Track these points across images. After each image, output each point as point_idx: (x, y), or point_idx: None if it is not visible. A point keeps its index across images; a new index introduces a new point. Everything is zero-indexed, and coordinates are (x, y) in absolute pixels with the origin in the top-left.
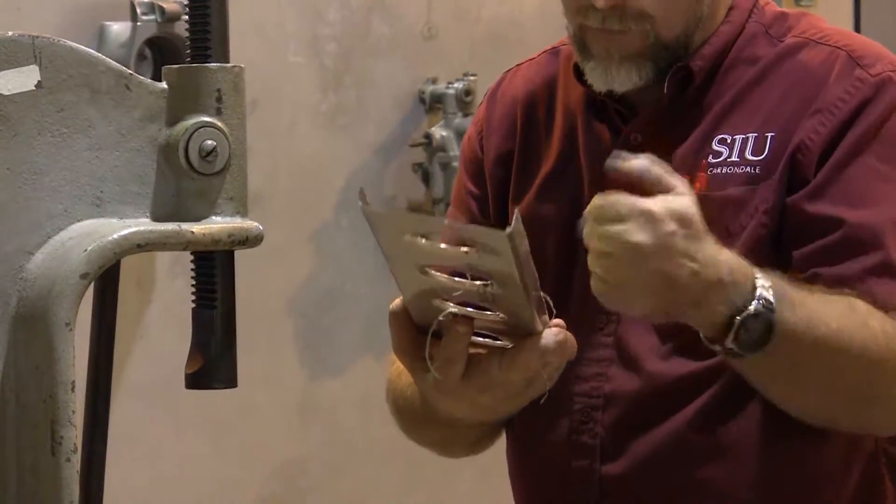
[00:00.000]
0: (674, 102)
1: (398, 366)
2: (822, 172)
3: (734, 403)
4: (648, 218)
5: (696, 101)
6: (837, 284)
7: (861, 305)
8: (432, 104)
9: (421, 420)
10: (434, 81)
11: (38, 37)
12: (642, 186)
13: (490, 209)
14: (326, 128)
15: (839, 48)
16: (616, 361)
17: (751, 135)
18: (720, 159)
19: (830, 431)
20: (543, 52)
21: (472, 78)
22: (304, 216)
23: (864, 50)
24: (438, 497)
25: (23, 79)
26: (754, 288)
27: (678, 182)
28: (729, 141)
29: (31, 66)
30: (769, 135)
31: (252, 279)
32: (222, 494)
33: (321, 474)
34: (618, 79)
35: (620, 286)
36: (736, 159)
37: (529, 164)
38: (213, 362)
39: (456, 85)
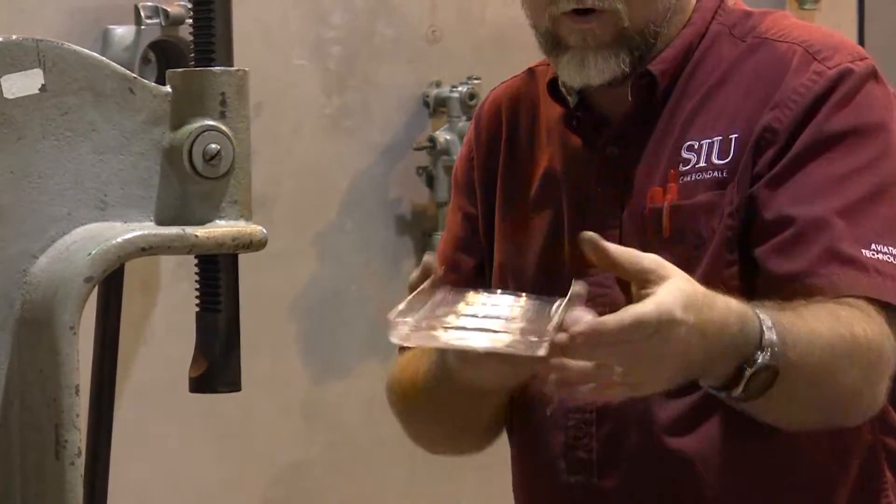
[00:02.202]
0: (641, 110)
1: (403, 359)
2: (779, 167)
3: (726, 409)
4: (658, 329)
5: (663, 105)
6: (791, 281)
7: (843, 314)
8: (436, 107)
9: (431, 410)
10: (438, 85)
11: (42, 40)
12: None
13: (479, 227)
14: (330, 131)
15: (796, 44)
16: None
17: (716, 139)
18: (689, 167)
19: (826, 431)
20: (520, 73)
21: (476, 81)
22: (308, 219)
23: (822, 44)
24: (443, 498)
25: (27, 82)
26: (761, 337)
27: (655, 264)
28: (696, 146)
29: (36, 70)
30: (733, 136)
31: (256, 282)
32: (226, 497)
33: (326, 476)
34: (595, 69)
35: (641, 384)
36: (703, 164)
37: (514, 182)
38: (217, 366)
39: (460, 88)
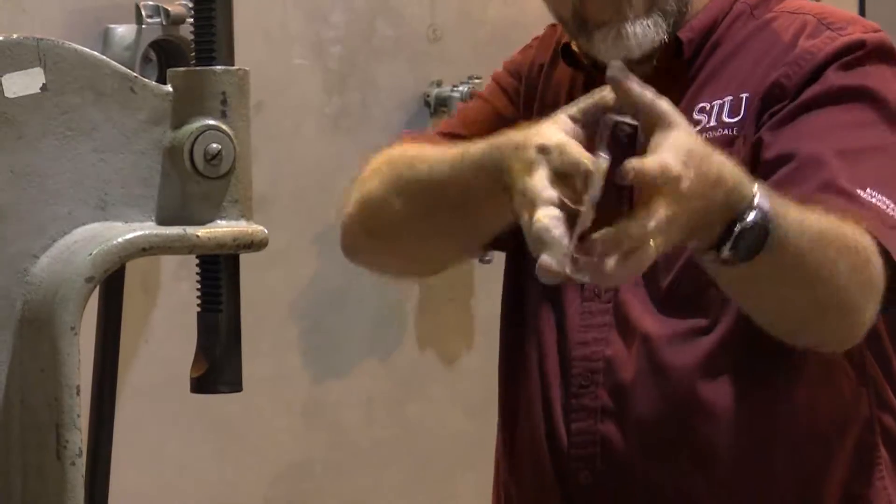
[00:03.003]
0: (661, 77)
1: (421, 151)
2: (783, 113)
3: (729, 361)
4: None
5: (681, 74)
6: None
7: (835, 217)
8: (437, 107)
9: (425, 205)
10: (439, 84)
11: (42, 39)
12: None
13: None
14: (331, 130)
15: (810, 15)
16: (614, 326)
17: (727, 98)
18: (699, 127)
19: (825, 394)
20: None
21: (476, 81)
22: (308, 219)
23: (836, 16)
24: (442, 498)
25: (27, 81)
26: (754, 197)
27: (669, 112)
28: (707, 108)
29: (36, 69)
30: (743, 96)
31: (257, 282)
32: (227, 497)
33: (326, 476)
34: (634, 39)
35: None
36: (713, 124)
37: None
38: (218, 366)
39: (461, 88)
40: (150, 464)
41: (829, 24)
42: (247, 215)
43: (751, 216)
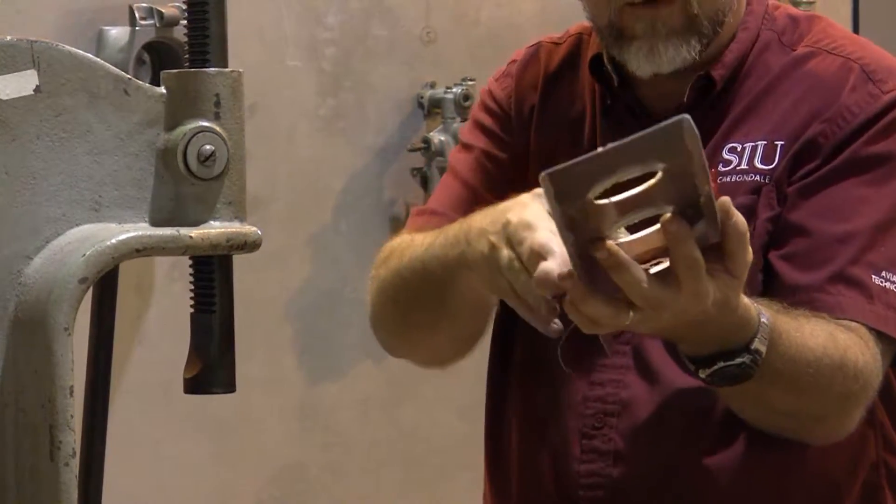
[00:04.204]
0: (691, 108)
1: (418, 239)
2: (811, 179)
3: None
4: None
5: (711, 107)
6: (799, 292)
7: (840, 338)
8: (431, 109)
9: (425, 293)
10: (433, 86)
11: (36, 41)
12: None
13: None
14: (325, 132)
15: (852, 60)
16: (633, 369)
17: (760, 142)
18: (730, 167)
19: (837, 445)
20: (568, 35)
21: (470, 83)
22: (302, 220)
23: (878, 63)
24: (435, 500)
25: (21, 83)
26: (751, 340)
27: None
28: (739, 149)
29: (30, 71)
30: (779, 143)
31: (251, 283)
32: (221, 498)
33: (320, 478)
34: (665, 56)
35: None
36: (745, 167)
37: (554, 155)
38: (211, 367)
39: (455, 90)
40: (143, 464)
41: (871, 75)
42: (240, 216)
43: (740, 358)
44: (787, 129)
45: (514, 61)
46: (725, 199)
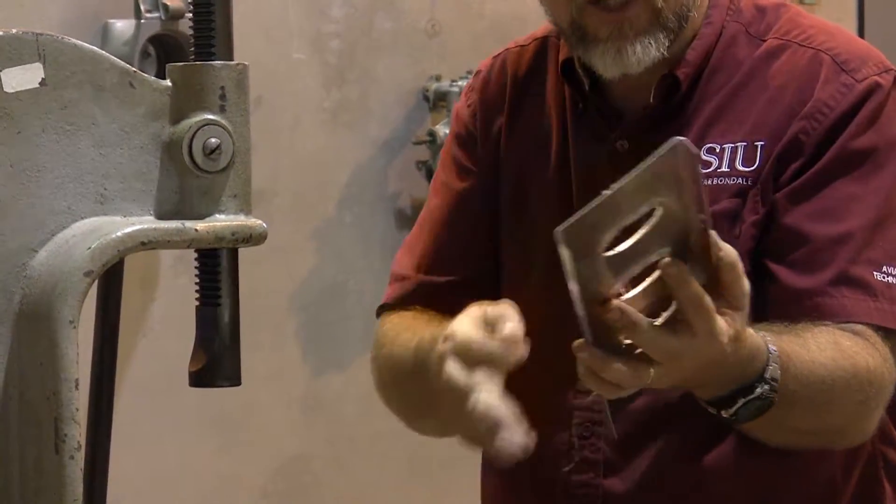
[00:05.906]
0: (659, 108)
1: (391, 327)
2: (801, 181)
3: None
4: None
5: (680, 105)
6: (802, 298)
7: (847, 345)
8: (436, 101)
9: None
10: (438, 79)
11: (42, 34)
12: None
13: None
14: (330, 125)
15: (822, 51)
16: None
17: (740, 144)
18: (710, 170)
19: None
20: (533, 38)
21: None
22: (307, 213)
23: (849, 52)
24: (440, 492)
25: (27, 76)
26: (765, 369)
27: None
28: (718, 150)
29: (35, 64)
30: (759, 144)
31: (256, 276)
32: (226, 491)
33: (324, 470)
34: (634, 56)
35: (679, 381)
36: (726, 169)
37: (525, 167)
38: (216, 360)
39: (460, 82)
40: (148, 457)
41: (842, 65)
42: (246, 209)
43: (758, 390)
44: (767, 129)
45: (479, 72)
46: (711, 232)
